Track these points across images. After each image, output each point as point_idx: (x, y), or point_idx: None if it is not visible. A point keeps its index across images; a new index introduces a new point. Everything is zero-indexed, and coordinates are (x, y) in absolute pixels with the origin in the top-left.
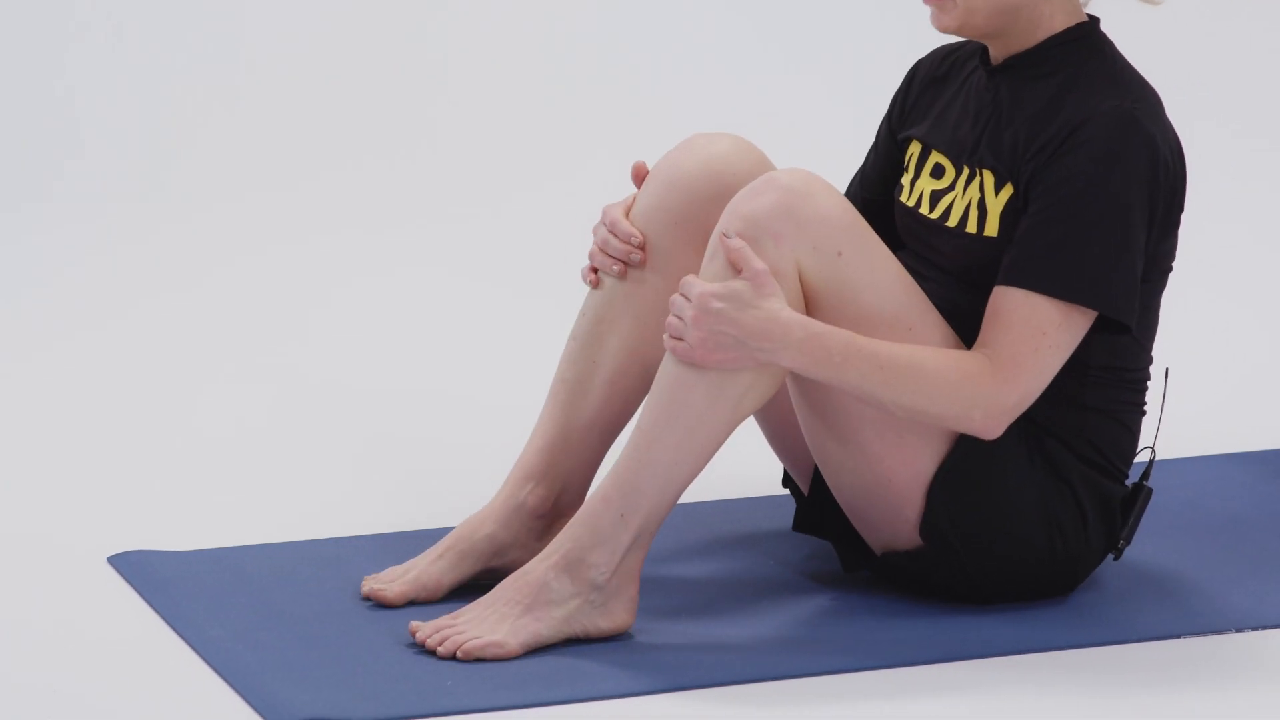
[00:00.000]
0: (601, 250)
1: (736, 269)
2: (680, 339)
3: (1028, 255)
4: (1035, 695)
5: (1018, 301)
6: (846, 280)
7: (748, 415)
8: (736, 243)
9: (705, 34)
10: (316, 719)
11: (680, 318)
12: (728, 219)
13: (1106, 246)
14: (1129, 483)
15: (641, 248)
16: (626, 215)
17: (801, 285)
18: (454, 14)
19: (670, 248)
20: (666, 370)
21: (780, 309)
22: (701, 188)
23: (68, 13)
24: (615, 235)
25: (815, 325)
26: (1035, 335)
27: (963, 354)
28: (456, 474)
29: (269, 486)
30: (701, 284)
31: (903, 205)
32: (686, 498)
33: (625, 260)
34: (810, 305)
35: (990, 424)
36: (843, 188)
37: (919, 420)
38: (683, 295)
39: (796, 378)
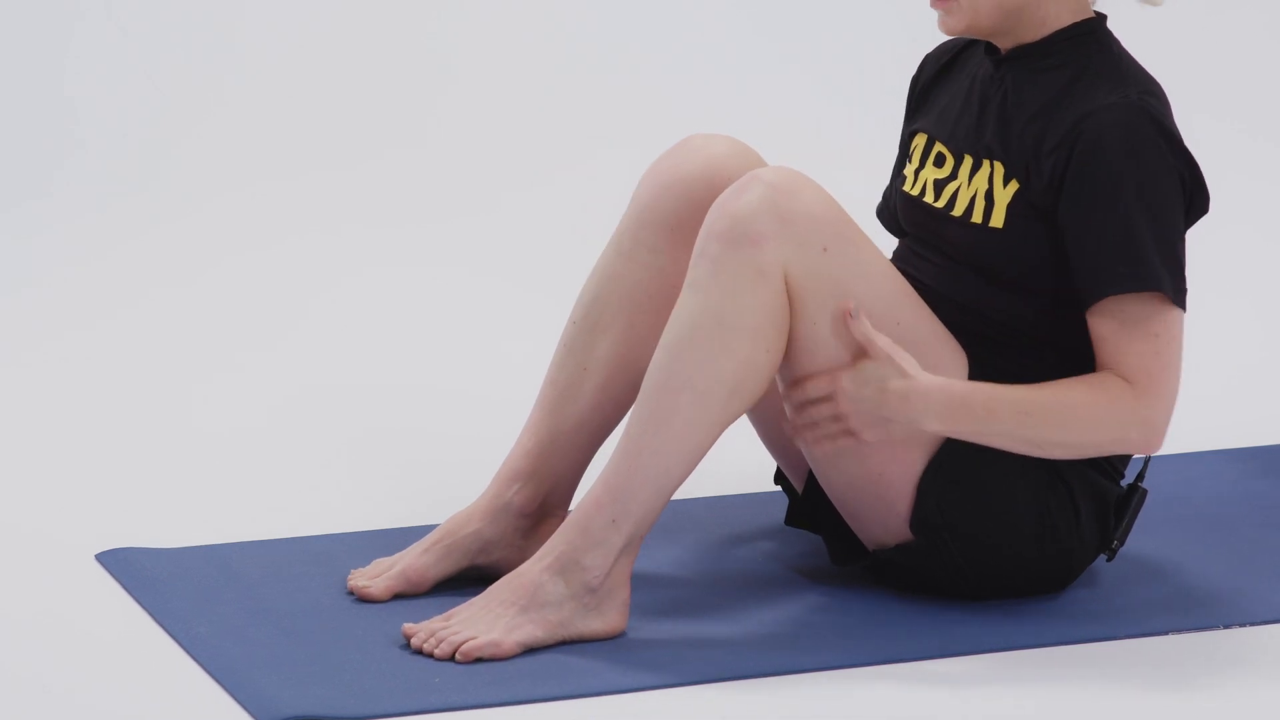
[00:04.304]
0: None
1: (863, 347)
2: (827, 435)
3: (1091, 269)
4: (1024, 691)
5: (1110, 317)
6: (833, 276)
7: (736, 417)
8: (863, 324)
9: (704, 31)
10: (304, 716)
11: (833, 416)
12: (714, 217)
13: (1149, 236)
14: (1124, 483)
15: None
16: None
17: (788, 282)
18: (450, 12)
19: (666, 250)
20: (654, 375)
21: (915, 379)
22: (699, 190)
23: (67, 11)
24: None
25: (955, 387)
26: (1148, 340)
27: (1101, 380)
28: (446, 471)
29: (257, 483)
30: (835, 380)
31: (906, 195)
32: (677, 494)
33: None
34: (797, 302)
35: (1150, 439)
36: (843, 188)
37: (1076, 454)
38: (812, 398)
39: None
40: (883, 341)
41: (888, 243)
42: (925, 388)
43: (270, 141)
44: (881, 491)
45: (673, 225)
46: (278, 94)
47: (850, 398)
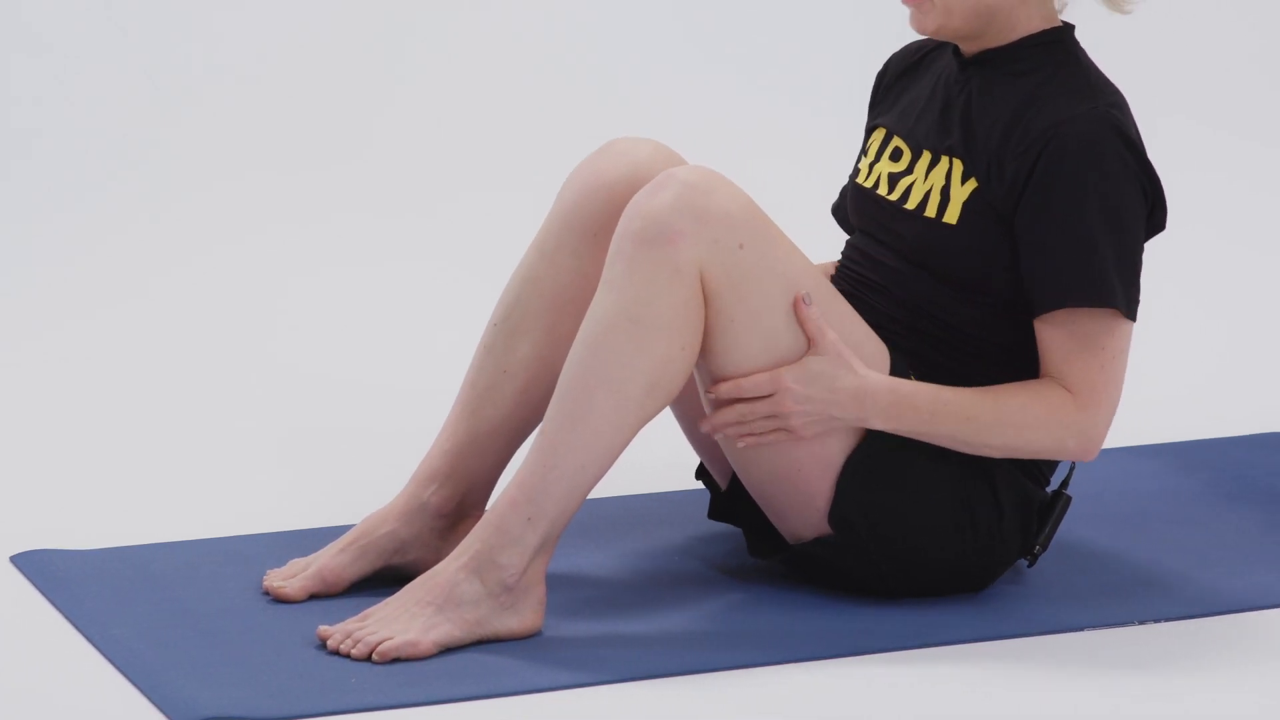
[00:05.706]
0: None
1: (810, 339)
2: (755, 433)
3: (1047, 279)
4: (939, 688)
5: (1060, 327)
6: (749, 273)
7: (653, 415)
8: (816, 314)
9: (654, 35)
10: (219, 717)
11: (771, 414)
12: (629, 216)
13: (1110, 249)
14: (1049, 488)
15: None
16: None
17: (703, 280)
18: (413, 15)
19: (587, 253)
20: (570, 372)
21: (865, 378)
22: (622, 194)
23: (66, 11)
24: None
25: (902, 387)
26: (1095, 352)
27: (1043, 388)
28: (364, 470)
29: (173, 483)
30: (779, 379)
31: (860, 187)
32: (594, 494)
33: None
34: (713, 299)
35: (1087, 447)
36: (817, 191)
37: (1010, 455)
38: (753, 397)
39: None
40: (833, 335)
41: (804, 241)
42: (873, 388)
43: (218, 146)
44: (800, 485)
45: (595, 230)
46: (230, 97)
47: (797, 397)
